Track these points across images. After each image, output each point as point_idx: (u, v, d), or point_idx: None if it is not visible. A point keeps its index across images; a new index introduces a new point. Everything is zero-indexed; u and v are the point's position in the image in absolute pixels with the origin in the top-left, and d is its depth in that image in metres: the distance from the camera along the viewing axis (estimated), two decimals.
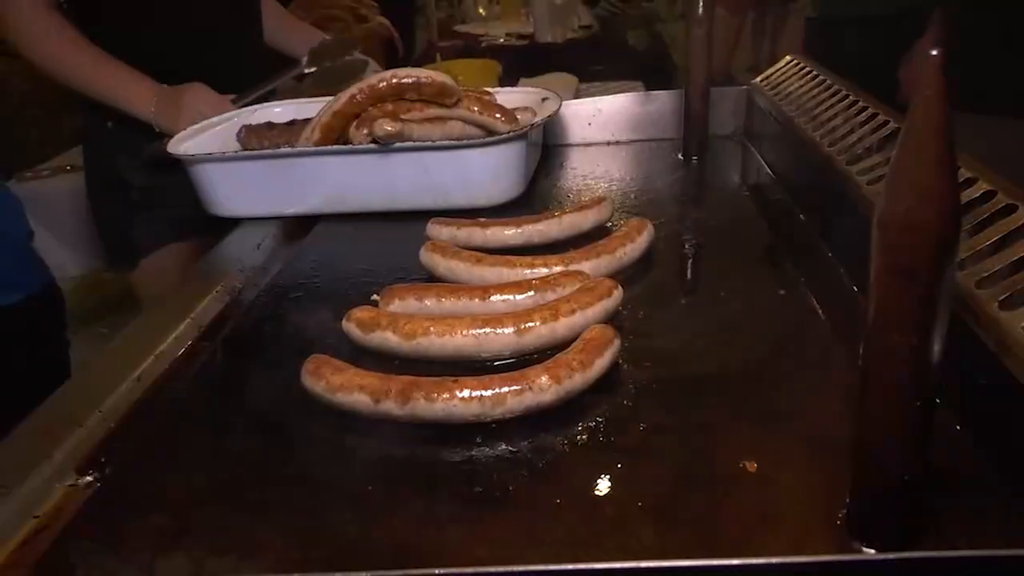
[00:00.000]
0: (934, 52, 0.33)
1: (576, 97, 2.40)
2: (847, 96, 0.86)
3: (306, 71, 1.31)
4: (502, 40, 3.66)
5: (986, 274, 0.51)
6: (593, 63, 3.55)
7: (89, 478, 0.56)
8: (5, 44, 3.53)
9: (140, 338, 0.72)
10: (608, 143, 1.17)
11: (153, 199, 1.31)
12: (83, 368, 0.69)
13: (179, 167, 0.99)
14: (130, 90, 1.19)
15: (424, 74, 0.89)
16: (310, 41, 1.47)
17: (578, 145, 1.17)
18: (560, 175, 1.07)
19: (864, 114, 0.79)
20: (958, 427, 0.50)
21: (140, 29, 1.27)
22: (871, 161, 0.72)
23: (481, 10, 3.77)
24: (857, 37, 2.26)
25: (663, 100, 1.15)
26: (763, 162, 1.02)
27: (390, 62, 2.60)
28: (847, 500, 0.42)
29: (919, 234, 0.34)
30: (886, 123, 0.75)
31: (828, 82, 0.92)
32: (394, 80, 0.89)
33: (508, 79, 2.75)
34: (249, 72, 1.28)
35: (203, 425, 0.61)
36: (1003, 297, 0.48)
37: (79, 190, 1.59)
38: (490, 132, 0.94)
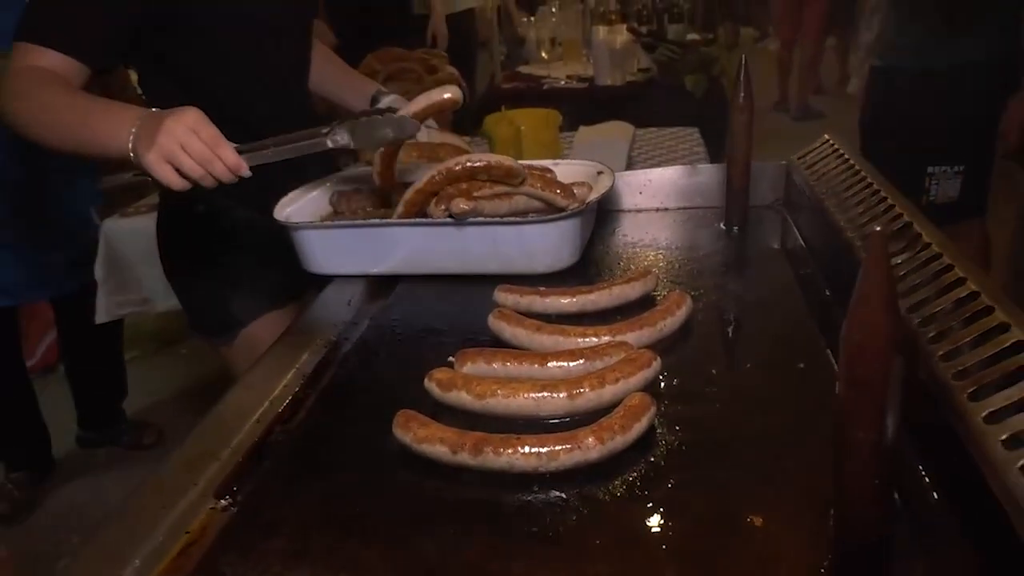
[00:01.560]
0: (878, 228, 0.44)
1: (633, 142, 2.52)
2: (870, 184, 0.96)
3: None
4: (563, 83, 3.79)
5: (962, 368, 0.61)
6: (651, 106, 3.68)
7: (224, 502, 0.70)
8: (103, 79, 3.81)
9: (256, 386, 0.87)
10: (657, 210, 1.29)
11: (237, 274, 1.35)
12: (214, 411, 0.83)
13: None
14: (112, 118, 1.03)
15: (494, 159, 1.03)
16: (363, 92, 1.47)
17: (630, 211, 1.29)
18: (612, 241, 1.19)
19: (883, 204, 0.90)
20: (935, 495, 0.61)
21: (210, 82, 1.23)
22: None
23: (544, 54, 3.93)
24: (919, 89, 2.32)
25: (709, 173, 1.26)
26: (799, 235, 1.12)
27: (457, 111, 2.76)
28: (828, 554, 0.53)
29: (870, 357, 0.45)
30: (899, 216, 0.85)
31: (856, 167, 1.02)
32: (468, 164, 1.03)
33: (568, 123, 2.91)
34: (291, 121, 1.17)
35: (312, 463, 0.75)
36: (971, 390, 0.58)
37: None
38: (551, 206, 1.08)
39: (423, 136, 1.35)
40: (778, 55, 7.00)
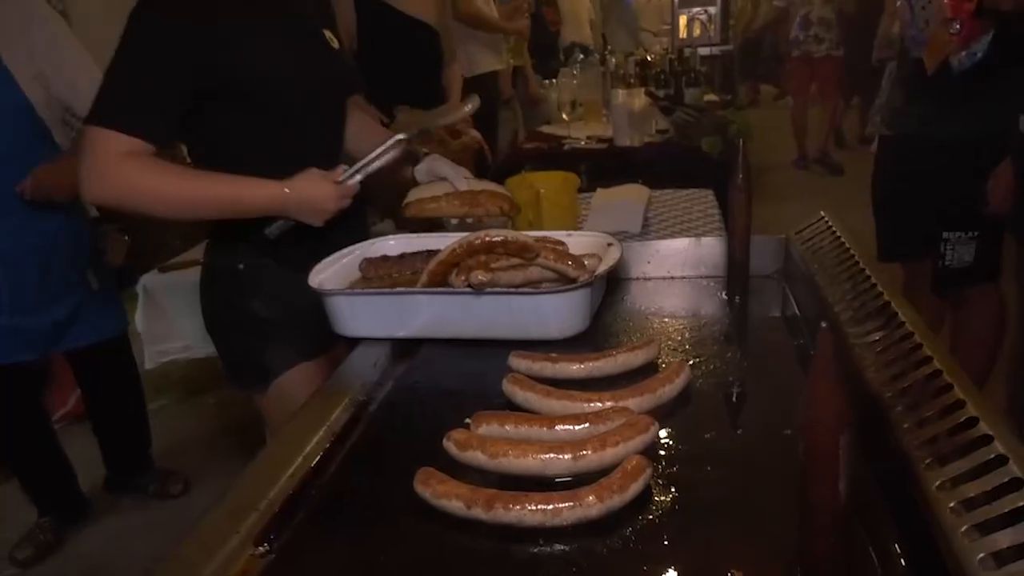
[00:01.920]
0: (824, 325, 0.52)
1: (649, 204, 2.61)
2: (857, 263, 1.04)
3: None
4: (583, 143, 3.91)
5: (923, 440, 0.68)
6: (669, 166, 3.79)
7: (263, 549, 0.78)
8: None
9: (291, 441, 0.96)
10: (664, 278, 1.37)
11: (273, 328, 1.48)
12: (252, 465, 0.92)
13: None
14: (250, 191, 1.29)
15: (511, 235, 1.13)
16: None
17: (639, 279, 1.38)
18: (621, 308, 1.28)
19: (866, 283, 0.98)
20: (901, 561, 0.67)
21: (257, 151, 1.38)
22: (863, 327, 0.90)
23: (564, 115, 4.07)
24: (928, 158, 2.40)
25: (713, 245, 1.35)
26: (795, 306, 1.20)
27: (479, 170, 2.89)
28: None
29: (822, 432, 0.53)
30: (880, 295, 0.93)
31: (847, 246, 1.11)
32: (487, 239, 1.12)
33: (588, 181, 3.02)
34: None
35: (341, 514, 0.83)
36: (928, 460, 0.66)
37: None
38: (563, 277, 1.17)
39: (463, 184, 1.49)
40: (792, 115, 7.18)
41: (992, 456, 0.60)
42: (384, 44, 3.24)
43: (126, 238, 4.12)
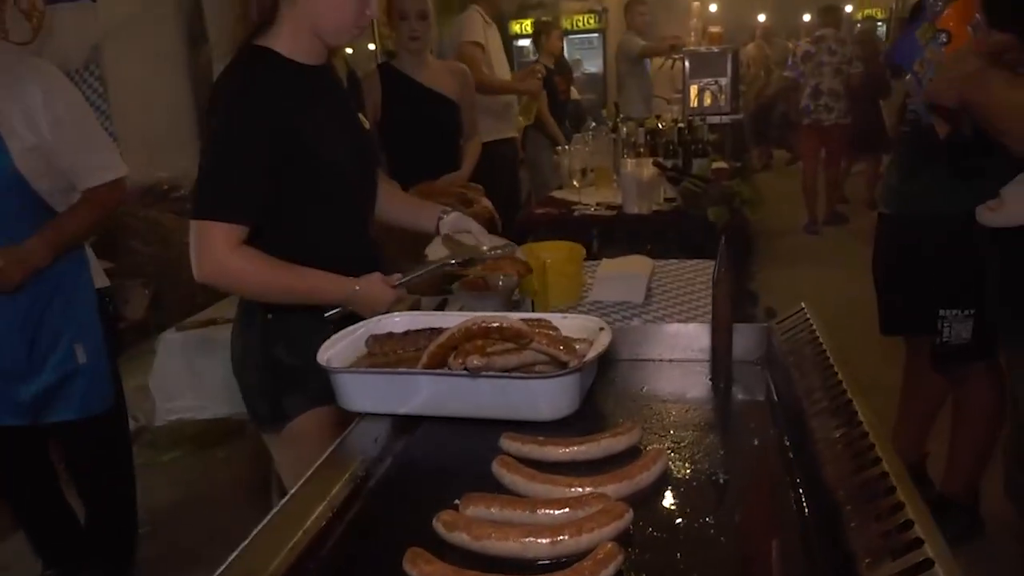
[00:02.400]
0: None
1: (652, 275, 2.69)
2: (828, 359, 1.11)
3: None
4: (593, 209, 4.02)
5: (866, 539, 0.75)
6: (676, 233, 3.89)
7: None
8: (177, 202, 4.17)
9: (292, 515, 1.03)
10: (653, 360, 1.45)
11: (290, 373, 1.66)
12: (254, 536, 0.99)
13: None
14: (333, 284, 1.55)
15: (506, 322, 1.21)
16: (432, 215, 1.84)
17: (629, 360, 1.45)
18: (611, 390, 1.35)
19: (832, 379, 1.05)
20: None
21: (310, 228, 1.62)
22: (827, 422, 0.96)
23: (575, 182, 4.19)
24: (927, 235, 2.46)
25: (701, 331, 1.42)
26: (774, 393, 1.27)
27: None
28: None
29: (758, 538, 0.60)
30: (844, 392, 1.00)
31: (819, 341, 1.18)
32: (483, 324, 1.21)
33: (600, 245, 3.12)
34: (360, 245, 1.72)
35: None
36: (868, 560, 0.72)
37: (224, 341, 1.95)
38: (555, 360, 1.25)
39: (487, 242, 1.72)
40: (802, 180, 7.35)
41: (921, 559, 0.66)
42: (407, 116, 3.40)
43: (147, 291, 4.26)
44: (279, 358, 1.66)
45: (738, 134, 6.57)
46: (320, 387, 1.53)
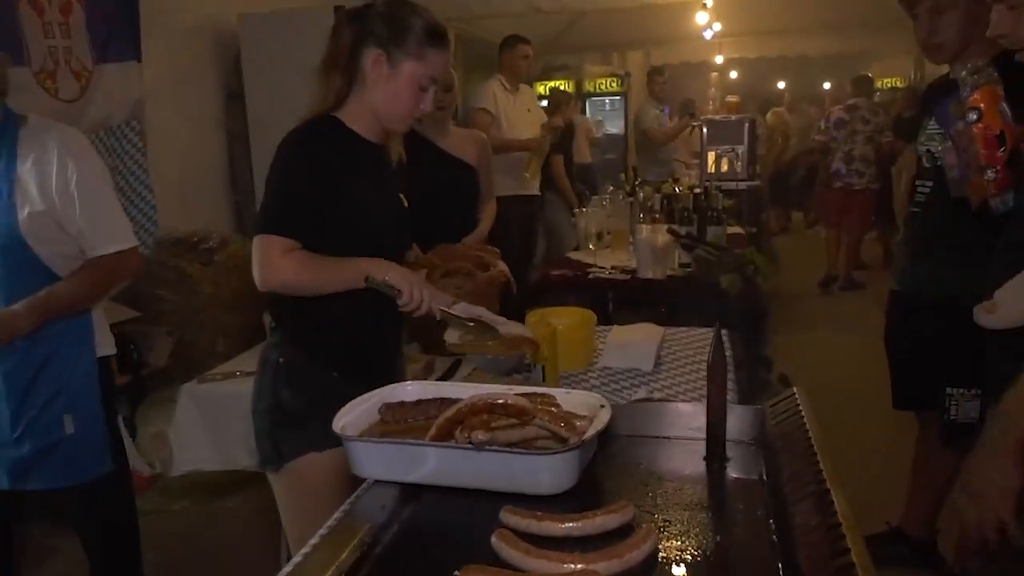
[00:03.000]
0: None
1: (662, 343, 2.75)
2: (811, 445, 1.17)
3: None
4: (608, 272, 4.10)
5: None
6: (689, 299, 3.95)
7: None
8: (205, 253, 4.30)
9: None
10: (653, 437, 1.51)
11: (297, 418, 1.81)
12: None
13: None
14: (372, 266, 1.73)
15: (511, 399, 1.29)
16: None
17: (629, 436, 1.52)
18: (609, 465, 1.42)
19: (814, 467, 1.11)
20: None
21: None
22: (806, 507, 1.02)
23: (591, 245, 4.28)
24: (935, 315, 2.51)
25: (697, 410, 1.49)
26: (765, 475, 1.33)
27: (504, 301, 3.10)
28: None
29: None
30: (823, 480, 1.06)
31: (806, 426, 1.24)
32: (488, 401, 1.29)
33: (615, 307, 3.19)
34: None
35: None
36: None
37: (244, 394, 2.00)
38: (556, 436, 1.32)
39: (503, 328, 1.85)
40: (826, 241, 7.56)
41: None
42: (430, 179, 3.55)
43: (171, 339, 4.38)
44: (285, 400, 1.81)
45: (754, 200, 6.69)
46: (319, 432, 1.66)
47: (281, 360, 1.83)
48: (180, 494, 3.71)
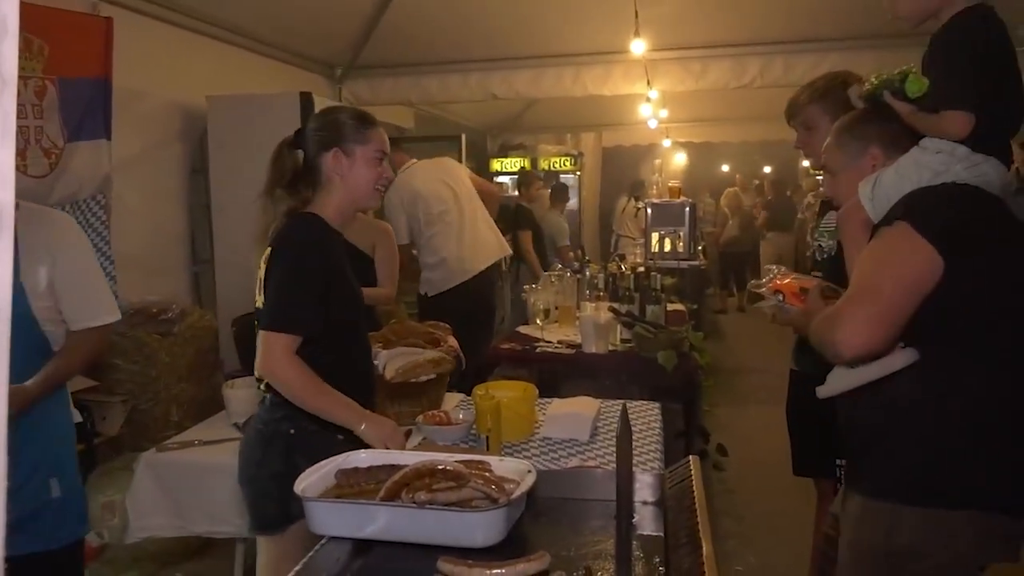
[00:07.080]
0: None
1: (598, 415, 2.98)
2: (695, 512, 1.42)
3: None
4: (554, 347, 4.35)
5: None
6: (629, 373, 4.21)
7: None
8: (164, 324, 4.40)
9: None
10: (572, 499, 1.74)
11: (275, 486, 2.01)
12: None
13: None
14: (348, 412, 2.00)
15: (450, 465, 1.52)
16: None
17: (551, 497, 1.75)
18: (535, 523, 1.64)
19: (694, 521, 1.35)
20: None
21: (347, 345, 2.14)
22: (682, 556, 1.26)
23: (539, 320, 4.53)
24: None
25: (609, 476, 1.72)
26: (664, 534, 1.56)
27: (453, 374, 3.33)
28: None
29: None
30: (697, 533, 1.30)
31: (692, 490, 1.49)
32: (431, 466, 1.51)
33: (562, 377, 3.44)
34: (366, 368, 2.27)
35: None
36: None
37: (202, 463, 2.13)
38: (488, 497, 1.54)
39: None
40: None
41: None
42: None
43: (123, 407, 4.43)
44: (301, 465, 1.87)
45: (697, 278, 7.07)
46: (294, 504, 1.85)
47: (293, 432, 2.03)
48: (127, 565, 3.73)
